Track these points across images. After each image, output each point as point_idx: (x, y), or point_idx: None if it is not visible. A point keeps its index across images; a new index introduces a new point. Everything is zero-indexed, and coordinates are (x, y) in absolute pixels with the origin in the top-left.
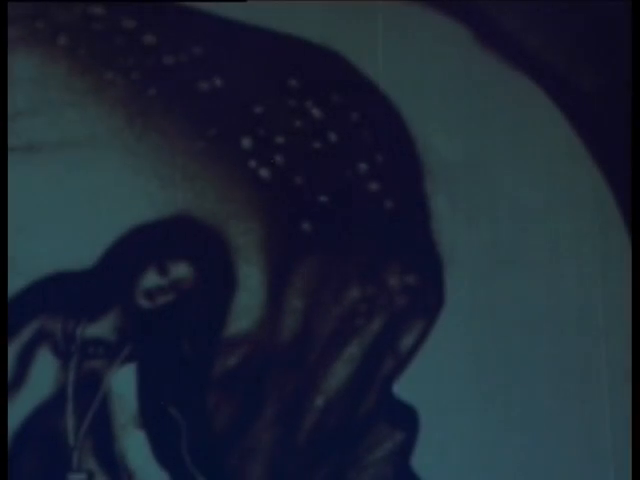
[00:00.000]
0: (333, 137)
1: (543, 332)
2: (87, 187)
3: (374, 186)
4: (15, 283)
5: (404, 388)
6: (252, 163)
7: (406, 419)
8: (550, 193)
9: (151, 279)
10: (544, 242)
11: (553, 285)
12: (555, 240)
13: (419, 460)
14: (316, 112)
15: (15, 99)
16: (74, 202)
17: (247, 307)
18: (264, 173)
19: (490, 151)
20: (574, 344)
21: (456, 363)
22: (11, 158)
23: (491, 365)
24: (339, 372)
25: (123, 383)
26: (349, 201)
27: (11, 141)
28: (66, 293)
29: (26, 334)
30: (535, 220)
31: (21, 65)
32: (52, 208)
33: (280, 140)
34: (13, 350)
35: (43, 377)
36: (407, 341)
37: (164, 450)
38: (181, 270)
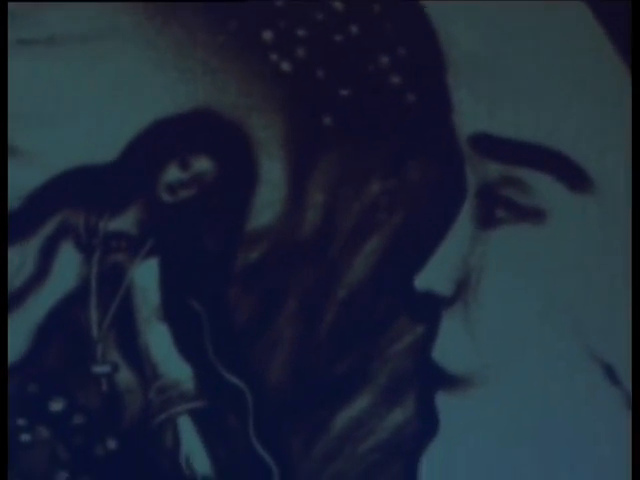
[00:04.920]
0: (355, 30)
1: None
2: (108, 81)
3: (396, 79)
4: (37, 177)
5: (425, 282)
6: (273, 56)
7: (427, 313)
8: (574, 86)
9: (172, 173)
10: (567, 134)
11: None
12: (579, 130)
13: (440, 352)
14: (338, 4)
15: None
16: (95, 96)
17: (269, 201)
18: (285, 66)
19: (513, 43)
20: None
21: None
22: (32, 51)
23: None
24: (360, 266)
25: (146, 276)
26: (370, 94)
27: (32, 34)
28: (88, 187)
29: (48, 228)
30: (558, 113)
31: None
32: (73, 102)
33: (301, 33)
34: (36, 244)
35: (66, 271)
36: (429, 234)
37: (187, 343)
38: (202, 164)
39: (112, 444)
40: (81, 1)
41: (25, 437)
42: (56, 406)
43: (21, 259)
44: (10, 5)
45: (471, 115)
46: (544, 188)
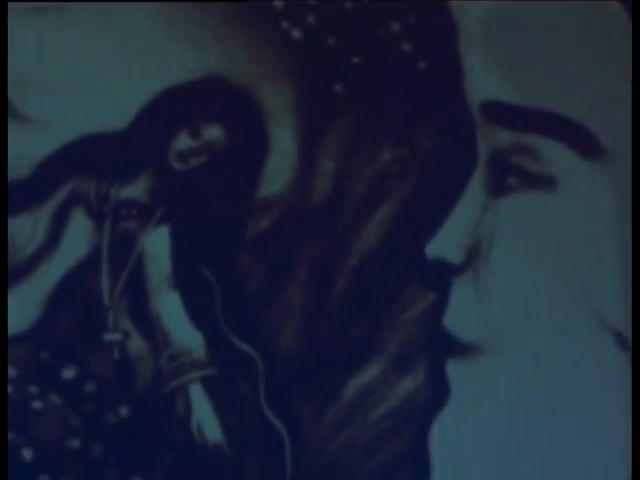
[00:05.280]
0: None
1: None
2: (119, 49)
3: (407, 46)
4: (48, 145)
5: (436, 249)
6: (284, 24)
7: (437, 280)
8: (586, 53)
9: (183, 141)
10: (579, 101)
11: None
12: (591, 98)
13: (451, 319)
14: None
15: None
16: (105, 64)
17: (279, 169)
18: (296, 34)
19: (525, 11)
20: None
21: None
22: (43, 20)
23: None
24: (371, 234)
25: (157, 244)
26: (382, 62)
27: (42, 2)
28: (99, 155)
29: (59, 196)
30: (570, 80)
31: None
32: (84, 70)
33: (312, 0)
34: (47, 212)
35: (77, 239)
36: (439, 202)
37: (198, 310)
38: (213, 132)
39: (124, 411)
40: None
41: (37, 404)
42: (68, 374)
43: (32, 227)
44: None
45: (482, 82)
46: (555, 155)
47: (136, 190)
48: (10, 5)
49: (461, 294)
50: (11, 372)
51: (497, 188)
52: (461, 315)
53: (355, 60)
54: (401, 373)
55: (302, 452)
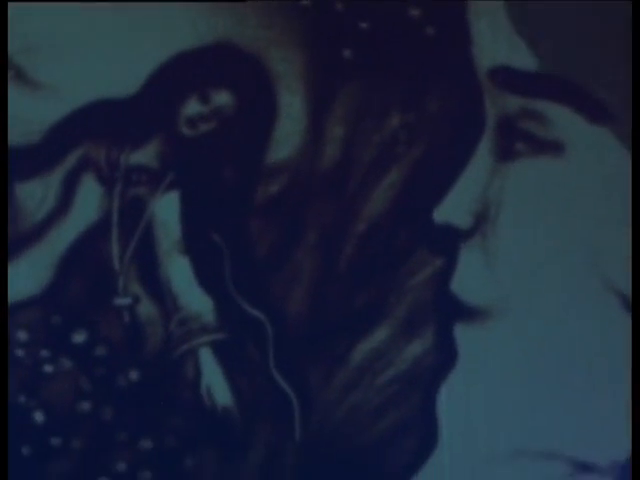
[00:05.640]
0: None
1: None
2: (129, 15)
3: (415, 12)
4: (58, 110)
5: (444, 215)
6: None
7: (445, 245)
8: (593, 19)
9: (193, 107)
10: (586, 67)
11: None
12: (598, 63)
13: (459, 284)
14: None
15: None
16: (116, 30)
17: (288, 135)
18: (305, 0)
19: None
20: None
21: None
22: None
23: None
24: (379, 199)
25: (166, 209)
26: (390, 27)
27: None
28: (109, 120)
29: (70, 161)
30: (578, 46)
31: None
32: (94, 36)
33: None
34: (57, 177)
35: (88, 204)
36: (447, 168)
37: (207, 275)
38: (223, 97)
39: (134, 375)
40: None
41: (48, 368)
42: (79, 338)
43: (43, 192)
44: None
45: (490, 48)
46: (563, 120)
47: (146, 156)
48: None
49: (469, 259)
50: (22, 336)
51: (505, 153)
52: (469, 280)
53: (363, 26)
54: (409, 337)
55: (310, 415)
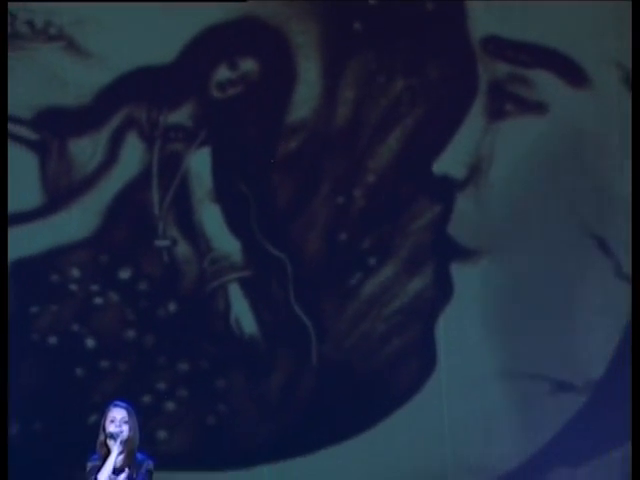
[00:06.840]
0: None
1: None
2: None
3: None
4: (104, 77)
5: (442, 167)
6: None
7: (443, 194)
8: None
9: (222, 73)
10: (568, 36)
11: None
12: (580, 33)
13: (455, 228)
14: None
15: None
16: (155, 6)
17: (305, 97)
18: None
19: None
20: None
21: None
22: None
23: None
24: (385, 154)
25: (200, 163)
26: (396, 3)
27: None
28: (149, 85)
29: (115, 121)
30: (559, 18)
31: None
32: (136, 12)
33: None
34: (105, 135)
35: (131, 158)
36: (445, 126)
37: (236, 221)
38: (248, 65)
39: (172, 307)
40: None
41: (98, 300)
42: (124, 274)
43: (92, 149)
44: None
45: (483, 20)
46: (547, 84)
47: (182, 116)
48: None
49: (464, 206)
50: (75, 273)
51: (496, 113)
52: (464, 224)
53: (372, 2)
54: (411, 275)
55: (325, 342)
